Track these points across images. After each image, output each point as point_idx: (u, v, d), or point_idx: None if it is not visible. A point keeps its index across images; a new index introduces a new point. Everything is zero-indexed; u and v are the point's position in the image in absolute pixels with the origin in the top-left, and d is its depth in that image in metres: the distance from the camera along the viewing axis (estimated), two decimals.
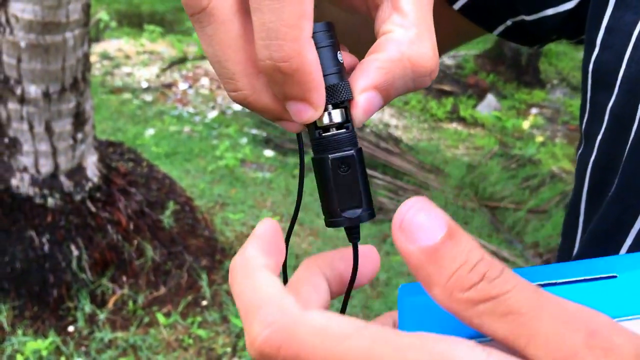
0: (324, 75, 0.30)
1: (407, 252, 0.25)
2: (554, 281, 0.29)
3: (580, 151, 0.52)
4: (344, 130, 0.31)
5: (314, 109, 0.30)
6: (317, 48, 0.30)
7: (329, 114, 0.31)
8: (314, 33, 0.30)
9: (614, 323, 0.24)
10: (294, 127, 0.32)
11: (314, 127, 0.31)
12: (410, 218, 0.25)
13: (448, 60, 6.60)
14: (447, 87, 6.00)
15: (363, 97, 0.30)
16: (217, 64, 0.30)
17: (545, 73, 6.63)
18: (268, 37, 0.27)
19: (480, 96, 5.88)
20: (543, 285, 0.29)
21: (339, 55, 0.31)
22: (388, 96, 0.31)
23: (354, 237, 0.33)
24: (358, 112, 0.31)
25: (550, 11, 0.52)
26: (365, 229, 3.47)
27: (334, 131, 0.31)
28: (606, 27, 0.46)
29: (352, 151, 0.31)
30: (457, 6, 0.54)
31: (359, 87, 0.30)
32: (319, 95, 0.29)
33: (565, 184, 4.27)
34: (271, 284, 0.27)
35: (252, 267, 0.28)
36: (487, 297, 0.24)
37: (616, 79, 0.45)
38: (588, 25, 0.49)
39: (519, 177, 4.36)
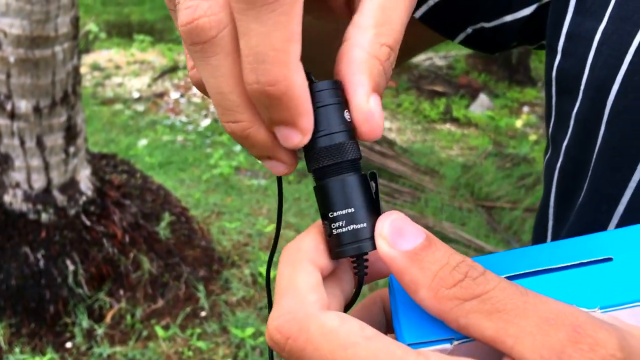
0: (331, 134, 0.30)
1: (390, 256, 0.26)
2: (551, 267, 0.29)
3: (547, 156, 0.52)
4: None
5: (302, 134, 0.29)
6: (323, 106, 0.30)
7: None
8: (320, 91, 0.30)
9: (596, 318, 0.24)
10: (281, 169, 0.31)
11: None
12: (390, 226, 0.27)
13: (439, 61, 6.60)
14: (439, 88, 6.00)
15: (372, 103, 0.30)
16: (219, 95, 0.30)
17: (536, 71, 6.65)
18: (255, 60, 0.27)
19: (473, 96, 5.89)
20: (542, 272, 0.29)
21: (346, 114, 0.30)
22: (381, 95, 0.31)
23: (360, 269, 0.31)
24: (376, 119, 0.30)
25: (508, 17, 0.53)
26: None
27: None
28: (566, 34, 0.47)
29: (354, 176, 0.30)
30: (417, 14, 0.55)
31: (362, 98, 0.30)
32: (307, 120, 0.29)
33: None
34: (307, 277, 0.28)
35: (300, 257, 0.29)
36: (472, 294, 0.25)
37: (579, 86, 0.45)
38: (548, 31, 0.49)
39: (514, 176, 4.36)
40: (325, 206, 0.31)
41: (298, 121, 0.29)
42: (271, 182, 3.93)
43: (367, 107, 0.30)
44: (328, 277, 0.31)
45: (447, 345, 0.27)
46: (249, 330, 2.56)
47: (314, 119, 0.30)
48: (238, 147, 4.51)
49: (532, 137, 5.18)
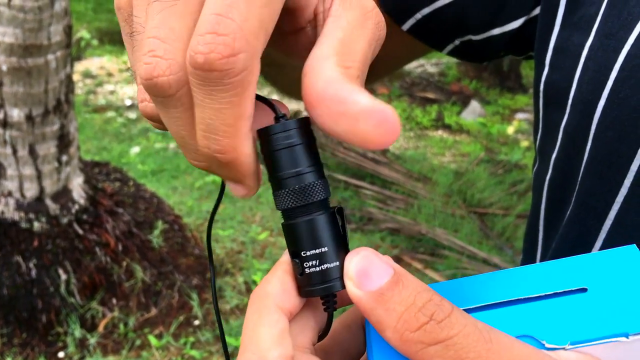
0: (300, 175, 0.30)
1: (357, 297, 0.27)
2: (523, 297, 0.28)
3: (536, 168, 0.53)
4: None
5: (248, 190, 0.31)
6: (291, 146, 0.30)
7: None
8: (288, 130, 0.30)
9: None
10: (242, 192, 0.32)
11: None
12: (356, 266, 0.27)
13: (431, 68, 6.63)
14: (431, 95, 6.03)
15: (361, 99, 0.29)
16: (181, 140, 0.31)
17: (527, 78, 6.68)
18: (207, 130, 0.28)
19: (465, 103, 5.91)
20: (513, 302, 0.29)
21: (312, 153, 0.31)
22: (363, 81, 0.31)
23: (329, 306, 0.32)
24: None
25: (496, 31, 0.53)
26: (356, 240, 3.46)
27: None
28: (554, 48, 0.47)
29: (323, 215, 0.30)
30: (405, 27, 0.55)
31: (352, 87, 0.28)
32: (252, 179, 0.31)
33: None
34: (270, 329, 0.28)
35: (266, 303, 0.30)
36: (436, 339, 0.25)
37: (567, 99, 0.46)
38: (536, 44, 0.50)
39: (506, 183, 4.37)
40: (297, 245, 0.31)
41: (244, 181, 0.31)
42: (264, 190, 3.93)
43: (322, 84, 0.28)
44: (302, 310, 0.31)
45: None
46: None
47: (282, 158, 0.30)
48: None
49: (524, 144, 5.21)
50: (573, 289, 0.28)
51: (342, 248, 0.31)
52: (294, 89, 0.33)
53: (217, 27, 0.26)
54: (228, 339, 2.55)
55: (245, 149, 0.29)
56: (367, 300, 0.26)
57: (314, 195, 0.30)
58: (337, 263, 0.30)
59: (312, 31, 0.33)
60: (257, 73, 0.28)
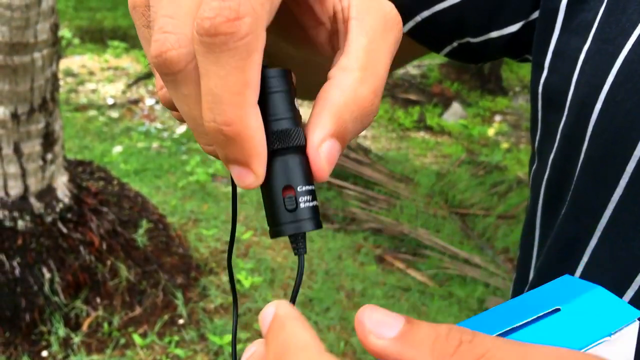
0: (277, 120, 0.31)
1: (382, 347, 0.25)
2: (505, 329, 0.30)
3: (534, 167, 0.54)
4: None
5: (255, 176, 0.30)
6: (272, 93, 0.31)
7: None
8: (269, 77, 0.31)
9: (592, 356, 0.24)
10: (250, 180, 0.31)
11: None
12: (370, 320, 0.26)
13: (413, 69, 6.68)
14: (413, 97, 6.08)
15: (323, 148, 0.31)
16: (192, 121, 0.31)
17: (508, 81, 6.77)
18: (213, 100, 0.28)
19: (446, 105, 5.97)
20: (507, 333, 0.30)
21: (296, 102, 0.32)
22: (344, 140, 0.31)
23: (299, 248, 0.32)
24: (322, 163, 0.31)
25: (494, 34, 0.54)
26: (339, 240, 3.49)
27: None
28: (553, 51, 0.49)
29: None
30: (405, 29, 0.56)
31: (317, 139, 0.31)
32: (260, 162, 0.30)
33: None
34: (307, 332, 0.26)
35: (286, 317, 0.27)
36: (475, 357, 0.24)
37: (565, 101, 0.47)
38: (535, 48, 0.51)
39: (487, 184, 4.43)
40: (291, 180, 0.31)
41: (251, 162, 0.30)
42: (247, 190, 3.93)
43: (315, 150, 0.31)
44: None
45: None
46: (228, 337, 2.56)
47: (276, 102, 0.31)
48: None
49: (504, 145, 5.28)
50: (549, 310, 0.30)
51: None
52: (314, 90, 0.34)
53: None
54: (212, 338, 2.56)
55: (251, 121, 0.29)
56: (395, 346, 0.25)
57: (290, 140, 0.31)
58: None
59: (332, 26, 0.34)
60: (263, 41, 0.29)
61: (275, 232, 0.32)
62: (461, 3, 0.54)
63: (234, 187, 0.36)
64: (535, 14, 0.52)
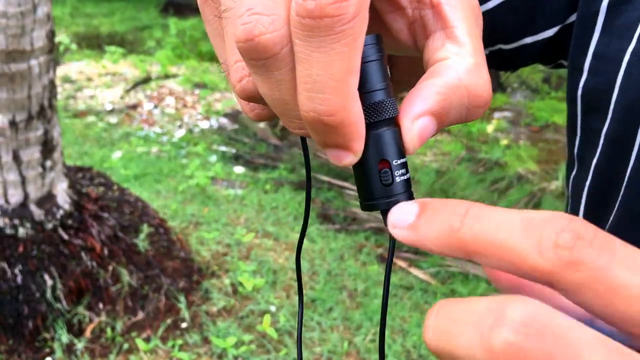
0: (371, 92, 0.30)
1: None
2: None
3: (573, 174, 0.52)
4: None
5: (354, 155, 0.29)
6: (366, 62, 0.29)
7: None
8: (364, 45, 0.28)
9: None
10: (348, 160, 0.30)
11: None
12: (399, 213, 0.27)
13: None
14: None
15: (419, 122, 0.29)
16: (283, 106, 0.29)
17: (505, 77, 6.78)
18: (313, 89, 0.26)
19: None
20: None
21: (387, 70, 0.30)
22: (442, 123, 0.30)
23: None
24: (413, 138, 0.29)
25: (528, 39, 0.52)
26: (341, 240, 3.49)
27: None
28: (594, 53, 0.47)
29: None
30: None
31: (415, 112, 0.29)
32: (360, 143, 0.29)
33: (532, 185, 4.36)
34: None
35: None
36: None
37: (609, 105, 0.45)
38: (572, 51, 0.50)
39: (487, 181, 4.43)
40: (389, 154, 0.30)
41: (351, 145, 0.28)
42: (248, 192, 3.94)
43: (410, 123, 0.29)
44: None
45: None
46: (231, 340, 2.56)
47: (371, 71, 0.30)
48: (213, 157, 4.51)
49: (504, 142, 5.28)
50: None
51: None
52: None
53: None
54: (215, 341, 2.56)
55: (355, 108, 0.27)
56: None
57: (385, 113, 0.30)
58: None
59: (413, 13, 0.32)
60: (367, 23, 0.27)
61: (368, 207, 0.31)
62: (493, 9, 0.52)
63: (307, 161, 0.36)
64: (572, 17, 0.50)
